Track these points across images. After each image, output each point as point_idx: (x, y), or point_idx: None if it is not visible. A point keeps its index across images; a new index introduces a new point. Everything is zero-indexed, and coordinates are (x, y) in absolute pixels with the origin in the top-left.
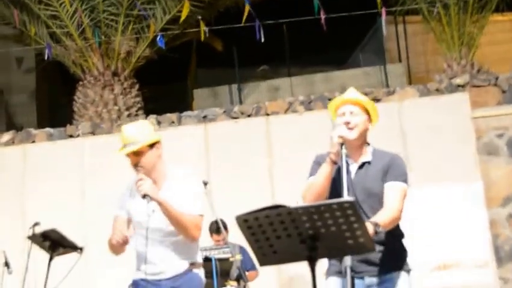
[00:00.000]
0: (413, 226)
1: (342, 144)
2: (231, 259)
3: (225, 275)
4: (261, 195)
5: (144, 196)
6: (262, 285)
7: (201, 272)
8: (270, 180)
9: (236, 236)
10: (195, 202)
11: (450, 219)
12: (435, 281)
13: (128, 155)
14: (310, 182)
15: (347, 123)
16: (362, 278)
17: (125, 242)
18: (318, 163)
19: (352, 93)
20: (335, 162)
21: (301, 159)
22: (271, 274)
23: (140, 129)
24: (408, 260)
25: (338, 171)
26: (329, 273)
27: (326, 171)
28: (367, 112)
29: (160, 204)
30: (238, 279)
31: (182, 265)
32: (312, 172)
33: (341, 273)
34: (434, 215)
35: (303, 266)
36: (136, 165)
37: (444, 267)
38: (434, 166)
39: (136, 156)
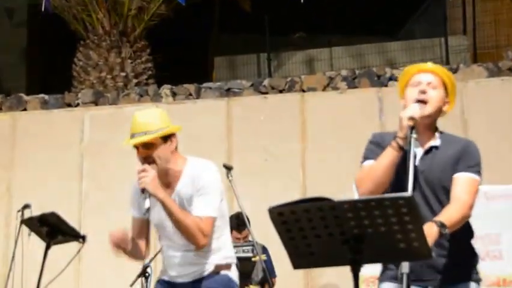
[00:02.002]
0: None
1: (412, 128)
2: (253, 259)
3: (245, 277)
4: (290, 186)
5: (143, 190)
6: None
7: (231, 274)
8: (302, 168)
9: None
10: (205, 201)
11: None
12: None
13: (136, 146)
14: (370, 166)
15: (423, 92)
16: (425, 287)
17: (122, 242)
18: (376, 144)
19: (431, 64)
20: (402, 148)
21: (340, 146)
22: (298, 281)
23: (154, 117)
24: (479, 266)
25: (402, 159)
26: (383, 279)
27: (391, 157)
28: (446, 89)
29: (160, 201)
30: (262, 283)
31: (206, 268)
32: (368, 154)
33: (397, 279)
34: (495, 222)
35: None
36: (145, 159)
37: (503, 284)
38: (501, 162)
39: (146, 149)
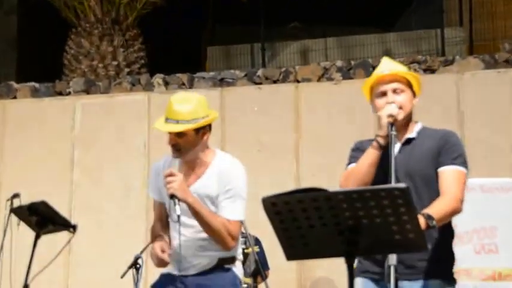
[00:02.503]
0: (463, 224)
1: (392, 125)
2: (246, 251)
3: None
4: (283, 177)
5: (172, 196)
6: (277, 287)
7: (236, 268)
8: (296, 159)
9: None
10: (234, 204)
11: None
12: None
13: (169, 132)
14: (352, 168)
15: (391, 103)
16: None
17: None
18: (359, 150)
19: (388, 64)
20: (383, 147)
21: (334, 138)
22: (291, 275)
23: (190, 105)
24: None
25: (382, 155)
26: (356, 273)
27: (373, 156)
28: (410, 86)
29: (189, 206)
30: (255, 274)
31: (211, 261)
32: (352, 160)
33: (366, 273)
34: (490, 215)
35: (331, 266)
36: (174, 147)
37: (499, 278)
38: (497, 154)
39: (177, 137)
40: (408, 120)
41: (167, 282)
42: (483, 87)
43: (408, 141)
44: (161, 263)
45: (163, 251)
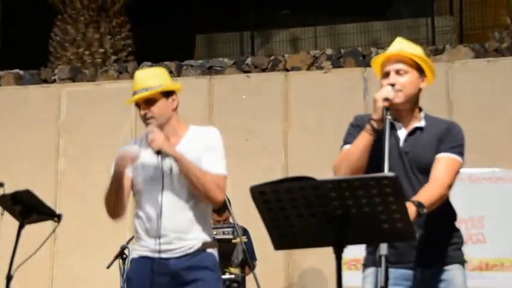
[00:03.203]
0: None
1: (387, 109)
2: (233, 241)
3: (225, 260)
4: (272, 167)
5: (158, 152)
6: (266, 278)
7: (215, 252)
8: (285, 148)
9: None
10: (218, 160)
11: (499, 210)
12: (473, 284)
13: (138, 103)
14: (345, 152)
15: (392, 85)
16: (411, 268)
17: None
18: (357, 126)
19: (398, 44)
20: (377, 131)
21: (324, 127)
22: (279, 265)
23: (155, 74)
24: (464, 248)
25: (379, 141)
26: (368, 263)
27: (365, 141)
28: (418, 68)
29: (176, 160)
30: (242, 265)
31: (195, 243)
32: (348, 138)
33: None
34: (478, 205)
35: (319, 256)
36: (145, 116)
37: (486, 268)
38: (486, 145)
39: (148, 105)
40: (413, 105)
41: (145, 268)
42: (473, 76)
43: (415, 130)
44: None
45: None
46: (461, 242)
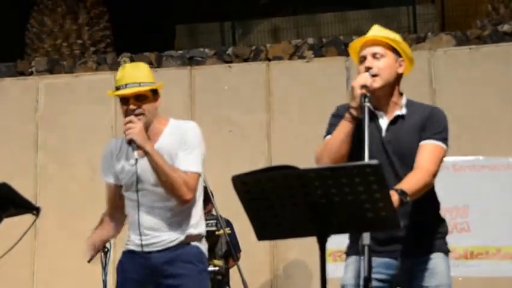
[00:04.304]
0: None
1: (365, 97)
2: (217, 233)
3: (209, 252)
4: (255, 158)
5: (130, 142)
6: (251, 270)
7: (202, 245)
8: (268, 139)
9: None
10: (191, 156)
11: (484, 199)
12: (458, 272)
13: (127, 97)
14: (326, 142)
15: (368, 68)
16: (394, 258)
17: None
18: (338, 117)
19: (374, 31)
20: (356, 119)
21: (307, 116)
22: (264, 257)
23: (146, 70)
24: (448, 238)
25: (359, 129)
26: (351, 252)
27: (345, 129)
28: (395, 52)
29: (146, 153)
30: (226, 256)
31: (177, 237)
32: (330, 128)
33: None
34: (463, 194)
35: (304, 247)
36: (132, 112)
37: (471, 257)
38: (470, 133)
39: (138, 101)
40: (394, 90)
41: (131, 260)
42: (455, 64)
43: (397, 118)
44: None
45: (93, 245)
46: (445, 232)
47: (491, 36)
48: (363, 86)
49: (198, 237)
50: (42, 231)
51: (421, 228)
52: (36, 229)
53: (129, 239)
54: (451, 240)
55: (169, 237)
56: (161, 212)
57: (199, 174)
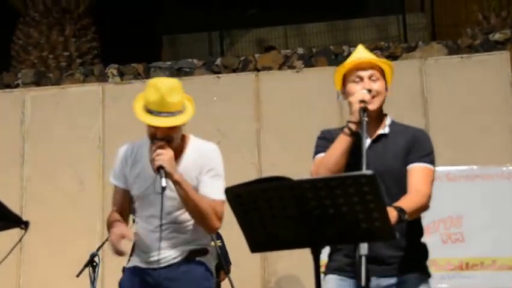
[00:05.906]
0: (429, 214)
1: (364, 111)
2: None
3: None
4: (245, 169)
5: (159, 169)
6: (242, 283)
7: (206, 260)
8: (258, 150)
9: None
10: (217, 184)
11: (478, 209)
12: (453, 284)
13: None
14: (322, 157)
15: (369, 90)
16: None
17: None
18: (325, 139)
19: (362, 53)
20: (355, 134)
21: (297, 127)
22: (255, 270)
23: (178, 93)
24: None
25: (353, 145)
26: (327, 271)
27: (344, 144)
28: (384, 76)
29: (176, 182)
30: (217, 270)
31: (181, 253)
32: (319, 149)
33: (341, 271)
34: (456, 204)
35: (295, 262)
36: (163, 139)
37: (466, 268)
38: (462, 142)
39: (170, 129)
40: (379, 112)
41: (135, 277)
42: (446, 73)
43: (380, 137)
44: (119, 251)
45: (123, 237)
46: (425, 255)
47: (483, 45)
48: (362, 101)
49: (203, 252)
50: (28, 245)
51: (400, 254)
52: (22, 243)
53: (132, 255)
54: (445, 251)
55: (172, 254)
56: (173, 231)
57: (224, 202)
